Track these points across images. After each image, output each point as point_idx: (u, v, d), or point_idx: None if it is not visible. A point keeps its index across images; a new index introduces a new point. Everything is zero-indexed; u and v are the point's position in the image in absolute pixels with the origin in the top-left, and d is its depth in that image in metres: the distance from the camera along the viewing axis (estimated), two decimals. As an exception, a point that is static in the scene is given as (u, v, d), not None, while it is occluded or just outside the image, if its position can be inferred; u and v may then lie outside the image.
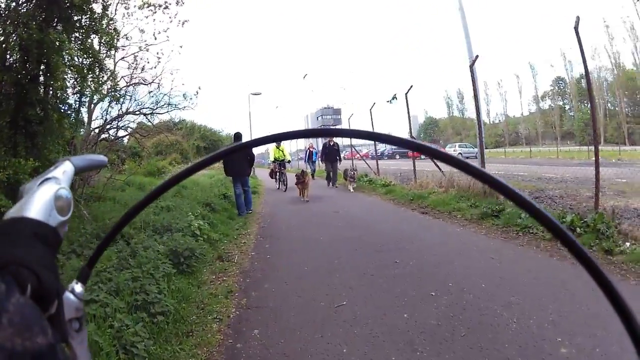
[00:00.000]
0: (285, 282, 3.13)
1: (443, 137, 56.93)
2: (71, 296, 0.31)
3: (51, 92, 4.07)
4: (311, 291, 2.89)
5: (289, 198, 8.83)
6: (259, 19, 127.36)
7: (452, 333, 2.13)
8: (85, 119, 5.70)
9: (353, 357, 1.97)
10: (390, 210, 6.68)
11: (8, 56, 3.74)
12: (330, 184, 10.88)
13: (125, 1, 5.54)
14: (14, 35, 3.61)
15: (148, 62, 6.24)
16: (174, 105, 6.54)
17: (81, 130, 5.49)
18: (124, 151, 8.12)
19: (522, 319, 2.22)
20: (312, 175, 12.79)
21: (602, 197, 4.44)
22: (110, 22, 5.02)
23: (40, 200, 0.30)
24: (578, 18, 4.37)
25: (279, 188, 10.77)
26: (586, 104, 41.33)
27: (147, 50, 6.01)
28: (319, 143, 18.26)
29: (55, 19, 3.99)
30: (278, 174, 10.64)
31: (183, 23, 6.05)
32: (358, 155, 14.73)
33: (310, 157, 14.36)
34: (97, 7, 4.57)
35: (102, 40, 4.88)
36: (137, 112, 6.32)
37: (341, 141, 15.41)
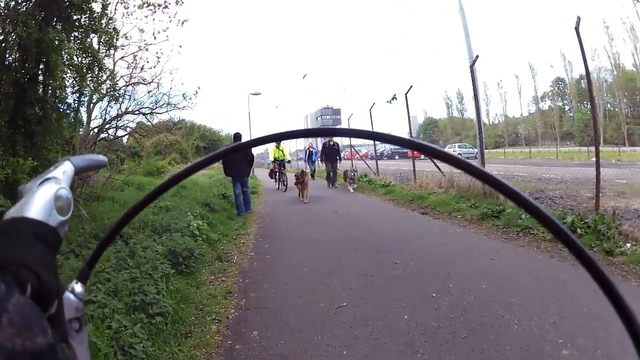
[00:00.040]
0: (284, 283, 3.13)
1: (442, 138, 56.93)
2: (71, 296, 0.31)
3: (50, 91, 4.06)
4: (311, 292, 2.88)
5: (288, 198, 8.83)
6: (258, 19, 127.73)
7: (453, 334, 2.12)
8: (85, 119, 5.69)
9: (353, 359, 1.96)
10: (390, 210, 6.67)
11: (7, 55, 3.74)
12: (330, 184, 10.81)
13: (125, 0, 5.54)
14: (13, 34, 3.60)
15: (147, 62, 6.24)
16: (173, 105, 6.54)
17: (80, 129, 5.48)
18: (123, 151, 8.12)
19: (524, 321, 2.21)
20: (312, 175, 12.77)
21: (602, 198, 4.44)
22: (110, 22, 5.02)
23: (41, 200, 0.30)
24: (579, 18, 4.37)
25: (278, 188, 10.76)
26: (586, 105, 41.47)
27: (147, 49, 6.01)
28: (318, 143, 18.26)
29: (55, 18, 3.98)
30: (278, 174, 10.61)
31: (183, 23, 6.05)
32: (357, 156, 14.72)
33: (310, 157, 14.34)
34: (97, 7, 4.56)
35: (102, 40, 4.88)
36: (137, 112, 6.31)
37: (340, 141, 15.40)
